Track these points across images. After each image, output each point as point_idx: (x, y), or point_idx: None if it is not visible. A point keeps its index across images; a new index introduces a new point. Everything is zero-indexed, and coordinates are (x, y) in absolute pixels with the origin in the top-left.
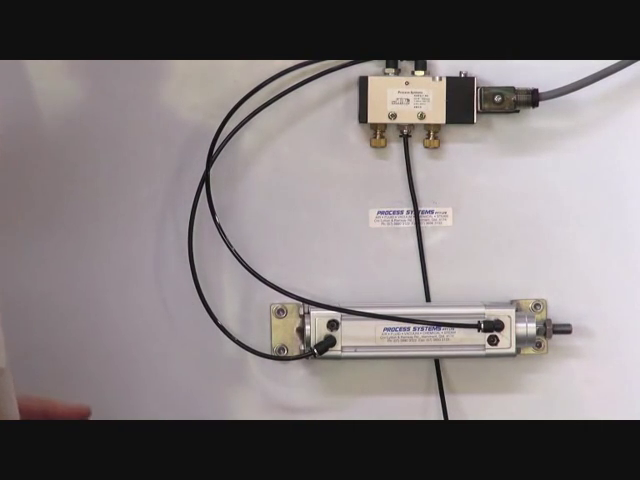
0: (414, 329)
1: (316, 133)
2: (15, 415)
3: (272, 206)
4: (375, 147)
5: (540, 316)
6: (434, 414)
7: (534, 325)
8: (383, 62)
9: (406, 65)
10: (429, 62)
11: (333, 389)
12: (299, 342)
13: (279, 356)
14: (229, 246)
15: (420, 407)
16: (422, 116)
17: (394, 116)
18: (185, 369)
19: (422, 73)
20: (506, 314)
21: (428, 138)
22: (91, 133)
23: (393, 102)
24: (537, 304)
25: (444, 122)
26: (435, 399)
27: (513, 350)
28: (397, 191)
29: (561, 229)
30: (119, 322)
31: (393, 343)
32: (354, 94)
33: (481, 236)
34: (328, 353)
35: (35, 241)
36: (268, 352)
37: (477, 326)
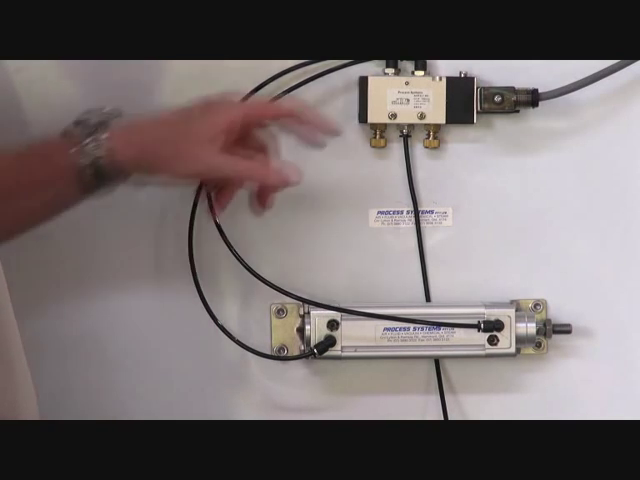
0: (414, 329)
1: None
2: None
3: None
4: (375, 147)
5: (540, 316)
6: (434, 414)
7: (534, 325)
8: (383, 62)
9: (406, 65)
10: (429, 62)
11: (333, 389)
12: (299, 342)
13: (279, 356)
14: (229, 246)
15: (420, 407)
16: (422, 116)
17: (394, 116)
18: (185, 369)
19: (422, 73)
20: (506, 314)
21: (428, 138)
22: None
23: (393, 102)
24: (537, 304)
25: (444, 122)
26: (435, 399)
27: (513, 350)
28: (397, 191)
29: (561, 229)
30: (119, 322)
31: (393, 343)
32: (354, 94)
33: (481, 236)
34: (328, 353)
35: (34, 241)
36: (268, 352)
37: (477, 326)
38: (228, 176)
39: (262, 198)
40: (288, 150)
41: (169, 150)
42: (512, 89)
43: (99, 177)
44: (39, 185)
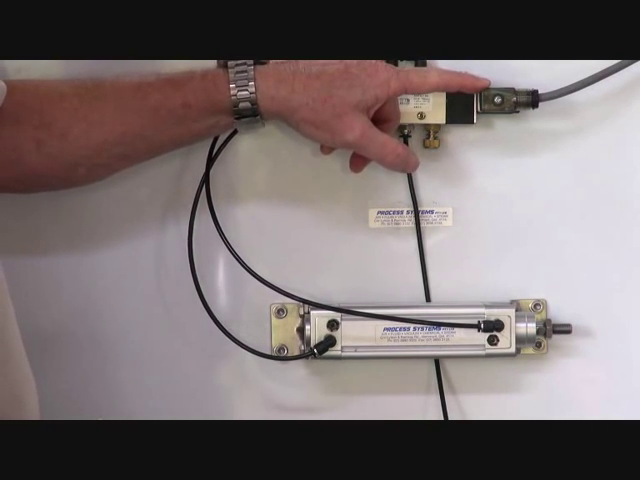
0: (414, 329)
1: None
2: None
3: (272, 206)
4: None
5: (540, 316)
6: (434, 414)
7: (534, 325)
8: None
9: (406, 65)
10: (429, 62)
11: (333, 389)
12: (299, 342)
13: (279, 356)
14: (229, 247)
15: (420, 407)
16: (422, 116)
17: None
18: (185, 369)
19: None
20: (506, 314)
21: (428, 138)
22: None
23: None
24: (537, 304)
25: (444, 122)
26: (435, 399)
27: (513, 350)
28: (397, 191)
29: (561, 229)
30: (119, 322)
31: (393, 343)
32: None
33: (481, 236)
34: (328, 353)
35: (35, 241)
36: (268, 352)
37: (477, 326)
38: (370, 154)
39: (361, 165)
40: (287, 149)
41: (326, 111)
42: (512, 90)
43: (252, 112)
44: (205, 112)
